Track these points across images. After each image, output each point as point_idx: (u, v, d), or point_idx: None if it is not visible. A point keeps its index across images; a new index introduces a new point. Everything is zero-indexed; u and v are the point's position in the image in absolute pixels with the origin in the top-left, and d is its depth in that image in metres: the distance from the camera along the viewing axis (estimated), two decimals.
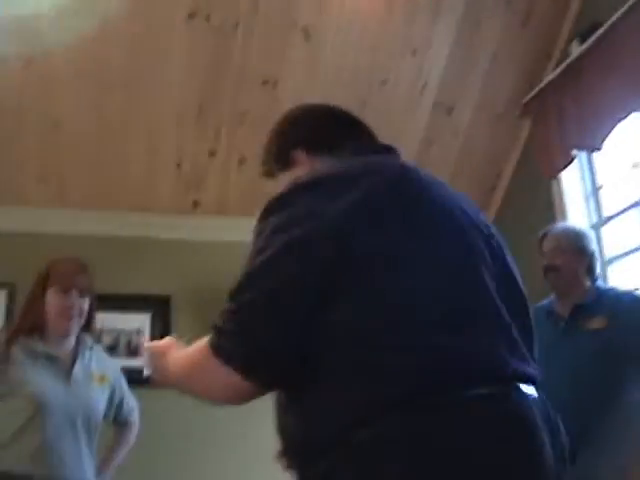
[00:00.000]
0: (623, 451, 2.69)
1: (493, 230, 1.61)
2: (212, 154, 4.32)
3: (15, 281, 3.99)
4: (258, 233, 1.45)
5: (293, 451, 1.43)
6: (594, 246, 3.11)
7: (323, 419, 1.32)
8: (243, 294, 1.37)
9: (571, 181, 4.16)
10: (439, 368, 1.27)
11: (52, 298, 2.68)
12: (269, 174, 1.83)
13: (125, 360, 4.20)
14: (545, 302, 3.13)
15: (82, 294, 2.71)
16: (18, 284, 3.95)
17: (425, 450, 1.23)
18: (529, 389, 1.36)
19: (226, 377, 1.37)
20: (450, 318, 1.31)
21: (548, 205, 4.21)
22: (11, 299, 4.07)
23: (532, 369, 1.41)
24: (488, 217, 4.71)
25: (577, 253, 3.04)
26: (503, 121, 4.53)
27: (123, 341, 4.28)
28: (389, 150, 1.75)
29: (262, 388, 1.38)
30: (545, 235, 3.15)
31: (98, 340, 4.11)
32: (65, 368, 2.68)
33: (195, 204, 4.49)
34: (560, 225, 3.31)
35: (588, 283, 3.04)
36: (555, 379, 2.85)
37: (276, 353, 1.34)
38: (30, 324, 2.67)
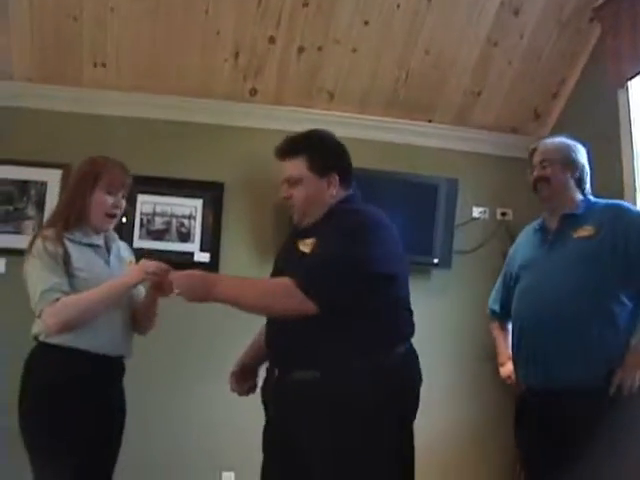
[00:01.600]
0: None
1: None
2: (272, 41, 4.25)
3: (70, 162, 4.02)
4: (351, 229, 2.41)
5: (325, 356, 2.36)
6: (584, 160, 3.08)
7: (364, 340, 2.37)
8: (334, 259, 2.34)
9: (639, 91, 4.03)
10: (411, 328, 2.54)
11: (101, 198, 2.80)
12: (284, 154, 2.59)
13: (176, 244, 4.30)
14: (536, 221, 3.18)
15: (124, 196, 2.88)
16: (73, 165, 3.98)
17: (413, 368, 2.52)
18: None
19: (302, 303, 2.28)
20: (408, 303, 2.55)
21: (612, 115, 4.10)
22: (65, 179, 4.10)
23: None
24: (549, 124, 4.69)
25: (567, 164, 3.03)
26: (570, 26, 4.38)
27: (175, 225, 4.32)
28: None
29: (321, 314, 2.30)
30: (535, 149, 3.14)
31: (149, 224, 4.22)
32: (104, 257, 2.85)
33: (252, 92, 4.43)
34: (550, 138, 3.25)
35: (578, 195, 3.04)
36: (543, 286, 2.94)
37: (340, 298, 2.32)
38: (75, 218, 2.78)
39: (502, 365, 3.27)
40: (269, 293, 2.40)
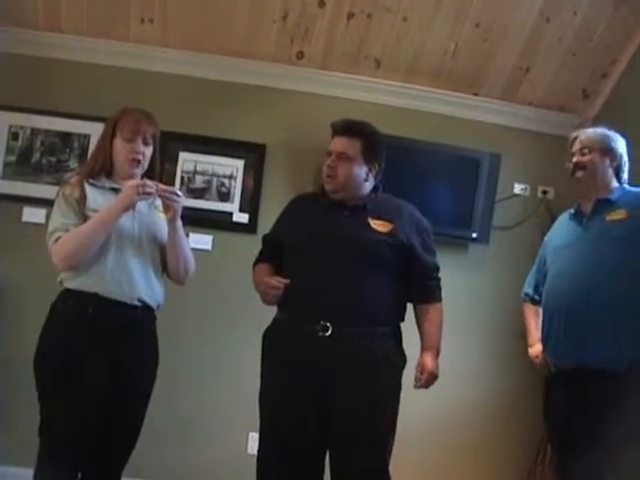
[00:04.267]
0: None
1: None
2: (321, 5, 4.20)
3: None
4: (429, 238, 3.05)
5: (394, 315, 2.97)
6: (623, 150, 3.12)
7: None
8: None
9: None
10: None
11: (119, 145, 2.87)
12: (344, 130, 2.95)
13: (215, 204, 4.30)
14: (571, 208, 3.24)
15: (146, 142, 2.89)
16: None
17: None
18: None
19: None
20: None
21: None
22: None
23: None
24: (596, 104, 4.61)
25: (606, 153, 3.09)
26: (625, 6, 4.29)
27: (215, 185, 4.32)
28: None
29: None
30: (575, 137, 3.19)
31: (190, 182, 4.23)
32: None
33: (299, 55, 4.40)
34: (591, 128, 3.28)
35: (614, 183, 3.10)
36: (576, 268, 2.99)
37: None
38: (100, 166, 2.87)
39: (531, 346, 3.31)
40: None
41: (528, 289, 3.42)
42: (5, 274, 4.10)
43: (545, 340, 3.14)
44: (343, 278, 2.83)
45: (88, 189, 2.79)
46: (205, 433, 4.29)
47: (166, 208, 2.85)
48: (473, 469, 4.48)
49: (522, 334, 4.50)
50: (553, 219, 4.53)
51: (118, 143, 2.86)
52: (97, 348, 2.71)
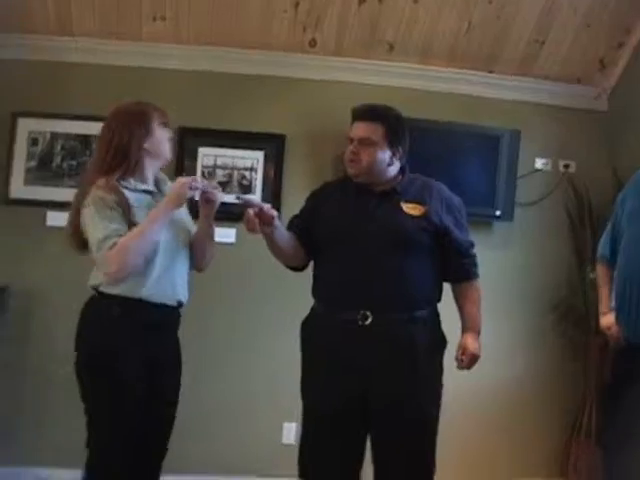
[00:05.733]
0: None
1: None
2: None
3: None
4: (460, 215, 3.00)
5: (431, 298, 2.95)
6: None
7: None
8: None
9: None
10: None
11: (161, 133, 2.80)
12: (365, 116, 2.90)
13: None
14: None
15: None
16: None
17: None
18: None
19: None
20: None
21: None
22: None
23: None
24: (614, 74, 4.55)
25: None
26: None
27: (236, 178, 4.33)
28: None
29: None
30: None
31: (211, 176, 4.23)
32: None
33: (312, 43, 4.38)
34: None
35: None
36: None
37: None
38: (133, 164, 2.74)
39: (603, 315, 3.15)
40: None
41: (605, 250, 3.23)
42: (31, 278, 4.13)
43: (618, 310, 2.99)
44: (379, 265, 2.82)
45: (126, 193, 2.69)
46: (240, 425, 4.31)
47: (205, 203, 2.81)
48: (509, 444, 4.50)
49: (552, 309, 4.54)
50: (576, 192, 4.53)
51: (159, 132, 2.79)
52: (138, 347, 2.69)
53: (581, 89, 4.64)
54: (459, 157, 4.38)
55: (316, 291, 2.98)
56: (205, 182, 2.81)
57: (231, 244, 4.21)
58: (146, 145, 2.75)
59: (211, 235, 2.91)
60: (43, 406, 4.14)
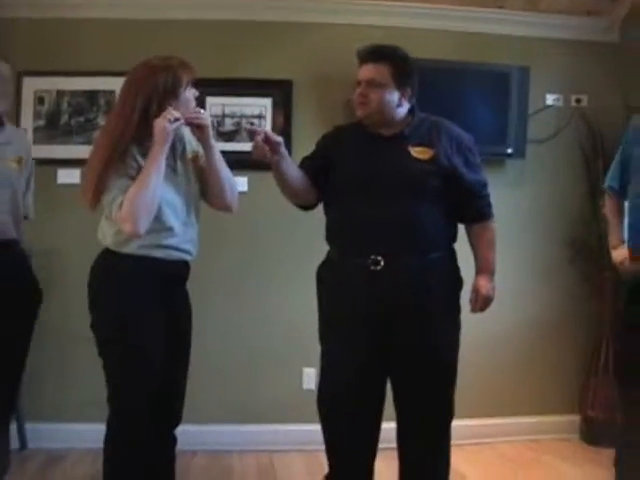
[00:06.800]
0: None
1: None
2: None
3: None
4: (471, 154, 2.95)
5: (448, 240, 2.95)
6: None
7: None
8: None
9: None
10: None
11: (189, 94, 2.75)
12: (370, 57, 2.85)
13: (247, 145, 4.22)
14: None
15: None
16: None
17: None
18: None
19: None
20: None
21: None
22: None
23: None
24: (625, 4, 4.46)
25: None
26: None
27: (245, 126, 4.28)
28: None
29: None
30: None
31: (219, 125, 4.20)
32: (171, 165, 2.76)
33: None
34: None
35: None
36: None
37: None
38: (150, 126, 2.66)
39: (614, 248, 3.11)
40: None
41: (613, 182, 3.16)
42: (46, 237, 4.14)
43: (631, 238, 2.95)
44: (389, 210, 2.80)
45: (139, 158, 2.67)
46: (260, 372, 4.36)
47: (197, 130, 2.74)
48: (527, 384, 4.54)
49: (565, 246, 4.52)
50: (589, 127, 4.48)
51: (187, 93, 2.72)
52: (157, 303, 2.72)
53: (591, 21, 4.55)
54: (468, 96, 4.33)
55: (329, 237, 2.99)
56: (182, 110, 2.67)
57: (244, 193, 4.20)
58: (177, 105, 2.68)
59: (216, 166, 2.80)
60: (67, 362, 4.21)
